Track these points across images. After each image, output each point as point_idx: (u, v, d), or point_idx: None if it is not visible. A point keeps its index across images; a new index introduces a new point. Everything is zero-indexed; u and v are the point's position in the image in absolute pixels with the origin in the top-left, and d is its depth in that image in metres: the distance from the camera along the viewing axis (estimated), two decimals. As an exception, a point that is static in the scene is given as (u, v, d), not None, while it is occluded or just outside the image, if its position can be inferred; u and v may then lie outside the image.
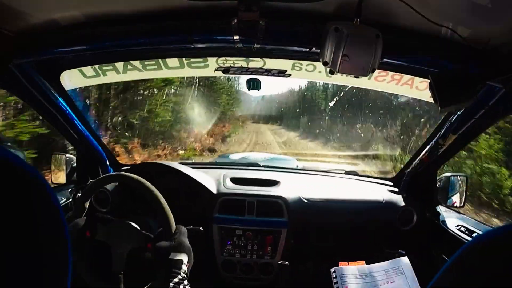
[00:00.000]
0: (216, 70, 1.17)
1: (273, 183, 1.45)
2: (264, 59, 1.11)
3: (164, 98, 8.34)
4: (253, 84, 1.17)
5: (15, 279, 0.29)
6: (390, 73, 1.11)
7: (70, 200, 1.37)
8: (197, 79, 9.27)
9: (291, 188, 1.43)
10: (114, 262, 0.95)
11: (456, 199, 1.39)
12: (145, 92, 8.04)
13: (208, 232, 1.30)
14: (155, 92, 8.18)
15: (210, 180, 1.43)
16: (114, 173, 1.42)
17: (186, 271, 0.90)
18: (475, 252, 0.33)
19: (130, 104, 7.47)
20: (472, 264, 0.33)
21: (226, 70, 1.15)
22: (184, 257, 0.91)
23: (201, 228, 1.19)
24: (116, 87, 6.61)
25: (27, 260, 0.30)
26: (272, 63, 1.13)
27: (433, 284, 0.36)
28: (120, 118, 6.95)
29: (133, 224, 0.98)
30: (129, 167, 1.56)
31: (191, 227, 1.19)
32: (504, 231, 0.32)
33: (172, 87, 8.71)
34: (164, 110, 8.25)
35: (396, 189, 1.51)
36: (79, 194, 1.36)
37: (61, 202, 1.34)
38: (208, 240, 1.31)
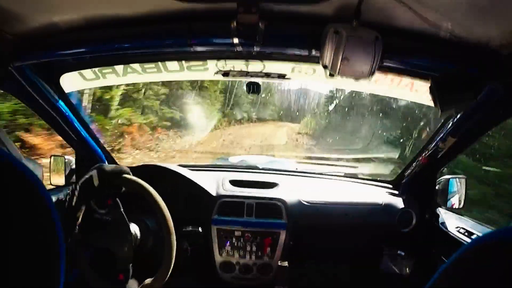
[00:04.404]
0: (215, 73, 1.17)
1: (272, 185, 1.45)
2: (264, 62, 1.11)
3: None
4: (253, 88, 1.18)
5: (4, 279, 0.28)
6: (390, 76, 1.11)
7: None
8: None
9: (290, 190, 1.43)
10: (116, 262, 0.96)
11: (455, 200, 1.38)
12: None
13: (207, 233, 1.30)
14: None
15: (209, 182, 1.42)
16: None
17: None
18: (473, 253, 0.33)
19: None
20: (470, 266, 0.33)
21: (225, 74, 1.15)
22: None
23: (200, 229, 1.18)
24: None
25: (18, 260, 0.30)
26: (272, 66, 1.13)
27: (431, 285, 0.36)
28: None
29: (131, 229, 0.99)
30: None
31: (190, 228, 1.18)
32: (502, 234, 0.32)
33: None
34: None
35: (396, 192, 1.51)
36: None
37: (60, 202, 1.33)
38: (206, 241, 1.31)
